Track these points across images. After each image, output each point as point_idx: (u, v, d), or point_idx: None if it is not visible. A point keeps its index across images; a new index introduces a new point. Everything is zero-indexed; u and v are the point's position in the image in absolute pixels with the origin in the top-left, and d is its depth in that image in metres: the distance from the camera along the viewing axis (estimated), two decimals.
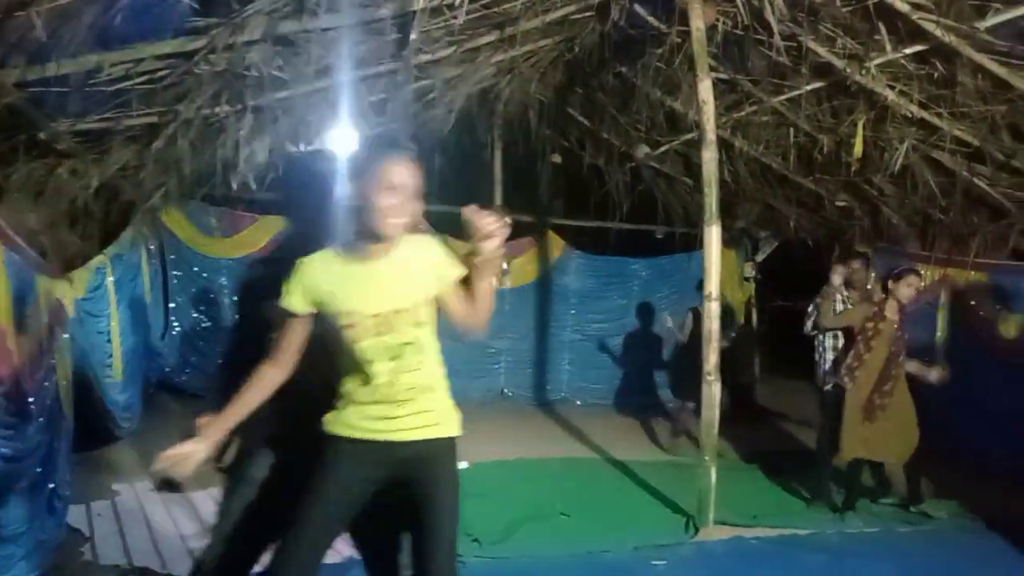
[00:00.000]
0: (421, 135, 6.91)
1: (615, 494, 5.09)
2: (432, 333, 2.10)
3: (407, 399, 2.03)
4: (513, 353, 8.50)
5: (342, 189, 2.16)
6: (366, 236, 2.03)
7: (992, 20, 4.45)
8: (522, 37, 5.60)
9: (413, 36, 4.83)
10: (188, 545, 3.60)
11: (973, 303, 6.08)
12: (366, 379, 2.02)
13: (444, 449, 2.10)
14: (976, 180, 5.78)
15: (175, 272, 7.36)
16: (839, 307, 5.25)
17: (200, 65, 4.37)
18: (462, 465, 2.16)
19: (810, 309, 5.45)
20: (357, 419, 2.05)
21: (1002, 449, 5.45)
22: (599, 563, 3.79)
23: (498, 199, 8.43)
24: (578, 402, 8.50)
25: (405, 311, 2.01)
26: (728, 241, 8.94)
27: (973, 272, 6.15)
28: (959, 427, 5.64)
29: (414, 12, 4.54)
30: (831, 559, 3.97)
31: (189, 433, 2.01)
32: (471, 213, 2.03)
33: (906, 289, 4.77)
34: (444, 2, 4.61)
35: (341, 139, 5.74)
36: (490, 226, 2.01)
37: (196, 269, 7.44)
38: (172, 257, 7.33)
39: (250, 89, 4.78)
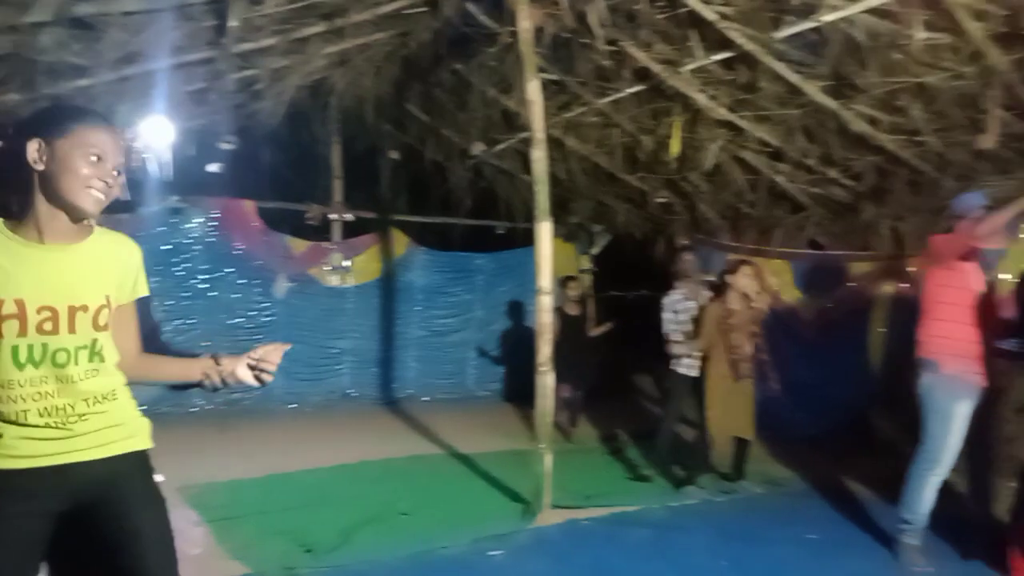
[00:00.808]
0: (249, 127, 6.61)
1: (457, 488, 5.12)
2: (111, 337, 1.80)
3: (84, 412, 1.72)
4: (357, 352, 8.33)
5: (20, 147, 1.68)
6: (48, 212, 1.68)
7: (786, 32, 4.91)
8: (353, 29, 5.49)
9: (231, 23, 4.58)
10: None
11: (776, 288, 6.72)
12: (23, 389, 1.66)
13: (135, 465, 1.82)
14: (777, 177, 6.38)
15: None
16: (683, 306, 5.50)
17: None
18: (158, 479, 1.87)
19: (664, 315, 5.51)
20: (17, 442, 1.67)
21: (804, 417, 6.09)
22: (437, 560, 3.79)
23: (337, 195, 8.22)
24: (425, 398, 8.49)
25: (86, 309, 1.71)
26: (566, 235, 9.30)
27: (777, 260, 6.79)
28: (770, 403, 6.19)
29: None
30: (656, 533, 4.24)
31: None
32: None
33: (744, 279, 5.10)
34: None
35: (155, 131, 5.35)
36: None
37: None
38: None
39: (43, 76, 4.33)
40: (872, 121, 5.42)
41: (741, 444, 5.19)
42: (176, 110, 5.32)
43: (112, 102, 4.92)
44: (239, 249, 7.59)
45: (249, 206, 7.68)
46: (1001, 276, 4.54)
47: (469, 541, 3.99)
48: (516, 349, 8.95)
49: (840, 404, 6.13)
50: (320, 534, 3.94)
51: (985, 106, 4.83)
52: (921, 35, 4.46)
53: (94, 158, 1.68)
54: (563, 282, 6.96)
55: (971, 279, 3.76)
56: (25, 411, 1.67)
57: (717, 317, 5.09)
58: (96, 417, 1.74)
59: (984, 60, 4.51)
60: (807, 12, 4.64)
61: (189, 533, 3.90)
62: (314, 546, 3.80)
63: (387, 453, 5.93)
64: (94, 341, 1.74)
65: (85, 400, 1.73)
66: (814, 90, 5.31)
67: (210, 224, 7.44)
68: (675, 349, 5.38)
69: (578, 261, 9.55)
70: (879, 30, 4.61)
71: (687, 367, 5.32)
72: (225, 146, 6.26)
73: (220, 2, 4.41)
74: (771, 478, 5.47)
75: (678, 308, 5.46)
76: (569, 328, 6.68)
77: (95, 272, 1.76)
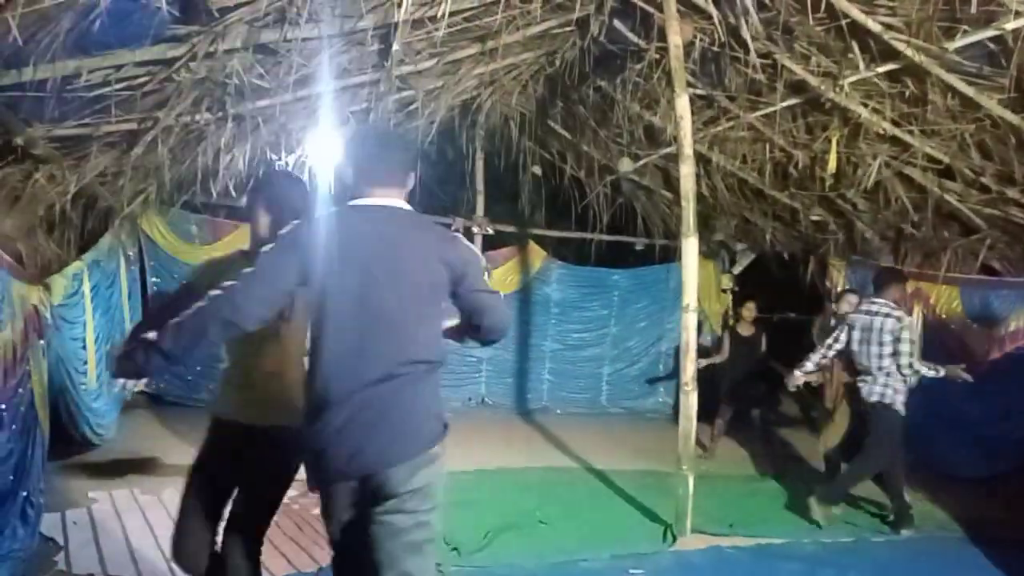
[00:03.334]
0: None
1: (594, 503, 5.12)
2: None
3: None
4: (494, 362, 8.53)
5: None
6: None
7: (960, 42, 4.57)
8: (503, 51, 5.67)
9: (395, 47, 4.86)
10: (166, 552, 3.57)
11: (944, 316, 6.21)
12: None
13: None
14: (946, 196, 5.91)
15: (154, 279, 7.30)
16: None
17: (180, 72, 4.37)
18: None
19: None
20: None
21: (970, 456, 5.56)
22: (576, 571, 3.81)
23: (480, 210, 8.48)
24: (558, 411, 8.54)
25: None
26: (706, 253, 9.06)
27: (945, 285, 6.27)
28: (931, 438, 5.74)
29: (396, 24, 4.57)
30: (806, 568, 4.03)
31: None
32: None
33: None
34: (426, 14, 4.64)
35: (322, 148, 5.76)
36: None
37: (176, 277, 7.39)
38: (152, 264, 7.28)
39: (231, 97, 4.78)
40: None
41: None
42: (341, 129, 5.70)
43: (287, 121, 5.36)
44: None
45: None
46: None
47: (608, 557, 3.98)
48: (652, 367, 8.87)
49: (1016, 443, 5.54)
50: (464, 535, 4.05)
51: None
52: None
53: None
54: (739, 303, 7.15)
55: None
56: None
57: None
58: None
59: None
60: (986, 20, 4.30)
61: None
62: (460, 545, 3.92)
63: (524, 462, 6.03)
64: None
65: None
66: (992, 103, 4.90)
67: None
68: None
69: (719, 279, 9.28)
70: None
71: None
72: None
73: (386, 27, 4.71)
74: (935, 520, 5.04)
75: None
76: (741, 349, 6.67)
77: None
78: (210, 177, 5.41)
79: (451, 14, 4.86)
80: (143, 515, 4.11)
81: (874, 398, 4.80)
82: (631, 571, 3.81)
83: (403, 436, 1.95)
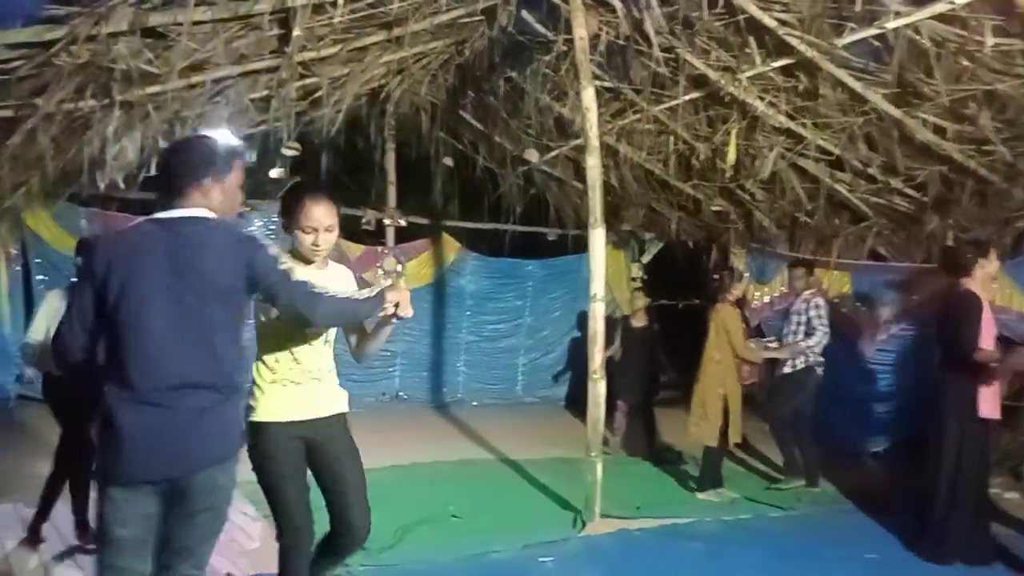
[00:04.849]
0: (308, 134, 6.77)
1: (507, 494, 5.14)
2: None
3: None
4: (409, 356, 8.44)
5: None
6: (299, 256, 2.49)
7: (847, 39, 4.81)
8: (411, 38, 5.59)
9: (296, 32, 4.71)
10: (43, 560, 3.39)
11: (836, 298, 6.56)
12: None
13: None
14: (837, 186, 6.24)
15: (40, 276, 6.83)
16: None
17: (60, 56, 4.09)
18: None
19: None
20: None
21: (863, 432, 5.92)
22: (488, 563, 3.81)
23: (391, 201, 8.35)
24: (474, 403, 8.54)
25: None
26: (617, 243, 9.24)
27: (836, 271, 6.63)
28: (822, 416, 6.03)
29: (294, 8, 4.42)
30: (709, 547, 4.17)
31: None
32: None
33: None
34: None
35: (220, 136, 5.52)
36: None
37: (66, 274, 6.93)
38: (37, 261, 6.81)
39: (117, 83, 4.52)
40: (937, 130, 5.27)
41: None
42: (240, 117, 5.49)
43: (180, 108, 5.10)
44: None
45: None
46: None
47: (520, 547, 4.01)
48: (565, 356, 8.97)
49: (900, 419, 5.94)
50: (374, 532, 3.96)
51: None
52: (991, 41, 4.33)
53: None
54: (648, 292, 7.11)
55: None
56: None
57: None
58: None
59: None
60: (871, 19, 4.54)
61: (247, 528, 4.00)
62: (369, 543, 3.83)
63: (438, 456, 5.99)
64: None
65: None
66: (877, 98, 5.19)
67: (270, 228, 7.65)
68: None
69: (629, 269, 9.48)
70: (946, 36, 4.48)
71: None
72: (291, 152, 6.43)
73: (285, 12, 4.55)
74: (831, 495, 5.32)
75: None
76: (634, 341, 6.65)
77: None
78: (97, 168, 5.10)
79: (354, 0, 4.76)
80: (22, 526, 3.84)
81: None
82: (541, 559, 3.85)
83: (206, 442, 2.04)
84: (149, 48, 4.51)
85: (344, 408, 2.67)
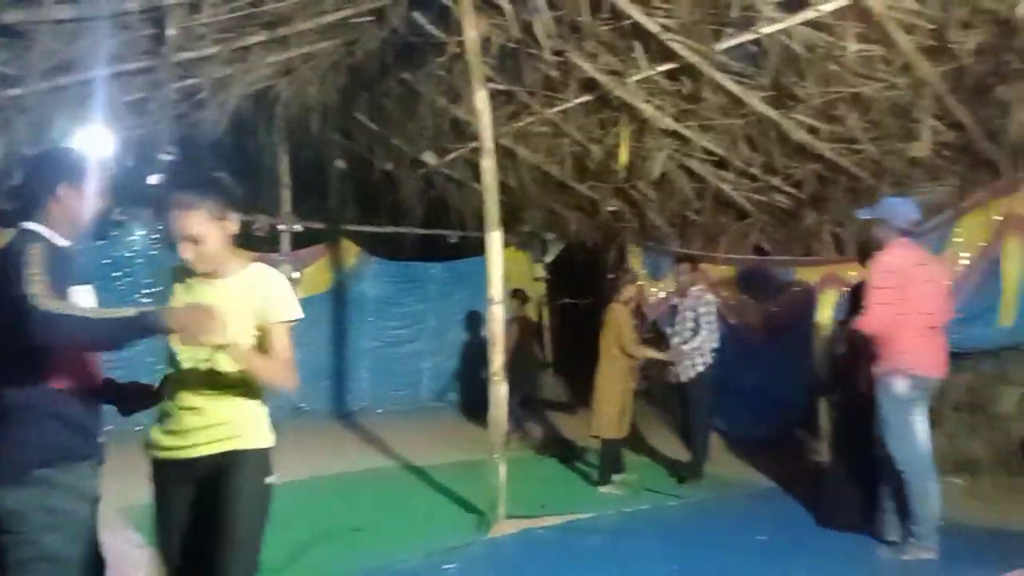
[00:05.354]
0: (193, 137, 6.45)
1: (412, 502, 5.08)
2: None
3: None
4: (308, 365, 8.10)
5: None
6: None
7: (726, 44, 5.02)
8: (297, 38, 5.43)
9: (170, 31, 4.47)
10: None
11: (724, 293, 6.86)
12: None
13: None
14: (722, 185, 6.52)
15: None
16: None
17: None
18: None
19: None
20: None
21: (753, 419, 6.22)
22: (390, 574, 3.74)
23: (286, 206, 8.09)
24: (379, 410, 8.39)
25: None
26: (519, 244, 9.32)
27: (723, 267, 6.92)
28: (715, 405, 6.27)
29: (166, 7, 4.20)
30: (609, 540, 4.26)
31: None
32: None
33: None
34: None
35: (93, 141, 5.18)
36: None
37: None
38: None
39: None
40: (812, 130, 5.58)
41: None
42: (115, 121, 5.17)
43: (46, 113, 4.76)
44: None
45: None
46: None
47: (423, 555, 3.95)
48: (470, 359, 8.94)
49: (787, 405, 6.26)
50: (268, 554, 3.82)
51: (917, 115, 5.02)
52: (854, 47, 4.62)
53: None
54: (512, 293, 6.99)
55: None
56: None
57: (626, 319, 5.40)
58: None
59: (915, 72, 4.69)
60: (747, 24, 4.76)
61: (131, 555, 3.76)
62: (265, 564, 3.69)
63: (339, 468, 5.84)
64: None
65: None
66: (755, 100, 5.44)
67: (153, 237, 7.25)
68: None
69: (532, 269, 9.58)
70: (815, 42, 4.75)
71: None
72: (167, 157, 6.10)
73: (157, 10, 4.31)
74: (723, 481, 5.55)
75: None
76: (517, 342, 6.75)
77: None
78: None
79: None
80: None
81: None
82: (444, 566, 3.81)
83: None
84: (6, 47, 4.18)
85: (239, 446, 2.27)
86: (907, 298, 3.77)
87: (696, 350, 5.47)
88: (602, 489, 5.27)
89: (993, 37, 4.25)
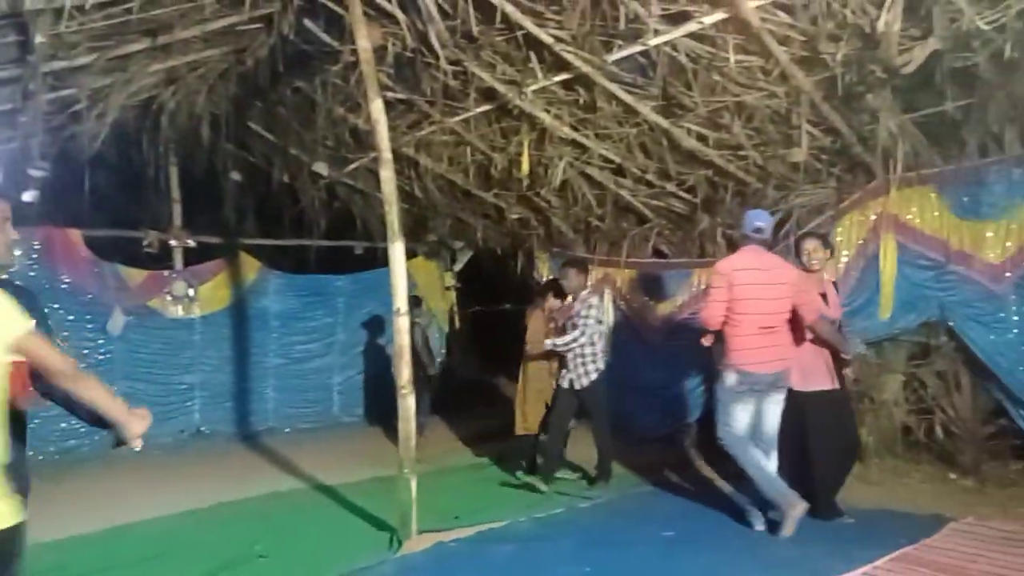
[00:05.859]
0: (71, 150, 6.08)
1: (320, 523, 4.92)
2: None
3: None
4: (208, 387, 7.85)
5: None
6: None
7: (616, 55, 5.16)
8: (181, 46, 5.21)
9: (38, 39, 4.19)
10: None
11: (628, 295, 7.04)
12: None
13: None
14: (621, 192, 6.69)
15: None
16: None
17: None
18: None
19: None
20: None
21: (656, 418, 6.40)
22: None
23: (177, 220, 7.74)
24: (286, 430, 8.14)
25: None
26: (428, 253, 9.27)
27: (626, 269, 7.10)
28: (619, 404, 6.39)
29: (31, 12, 3.94)
30: (521, 547, 4.26)
31: None
32: None
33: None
34: (73, 3, 4.06)
35: None
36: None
37: None
38: None
39: None
40: (700, 138, 5.81)
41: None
42: None
43: None
44: (66, 283, 6.99)
45: (75, 235, 7.07)
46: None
47: None
48: (380, 371, 8.80)
49: (688, 403, 6.48)
50: None
51: (796, 122, 5.32)
52: (735, 58, 4.84)
53: None
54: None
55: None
56: None
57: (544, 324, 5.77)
58: None
59: (791, 81, 4.96)
60: (635, 36, 4.90)
61: None
62: None
63: (244, 493, 5.60)
64: None
65: None
66: (647, 110, 5.62)
67: (30, 257, 6.77)
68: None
69: (442, 278, 9.53)
70: (700, 53, 4.95)
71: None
72: (40, 172, 5.71)
73: (20, 16, 4.03)
74: (630, 480, 5.68)
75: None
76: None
77: None
78: None
79: (110, 3, 4.34)
80: None
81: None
82: None
83: None
84: None
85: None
86: (737, 299, 4.17)
87: (564, 344, 5.48)
88: (557, 478, 5.58)
89: (858, 49, 4.55)
